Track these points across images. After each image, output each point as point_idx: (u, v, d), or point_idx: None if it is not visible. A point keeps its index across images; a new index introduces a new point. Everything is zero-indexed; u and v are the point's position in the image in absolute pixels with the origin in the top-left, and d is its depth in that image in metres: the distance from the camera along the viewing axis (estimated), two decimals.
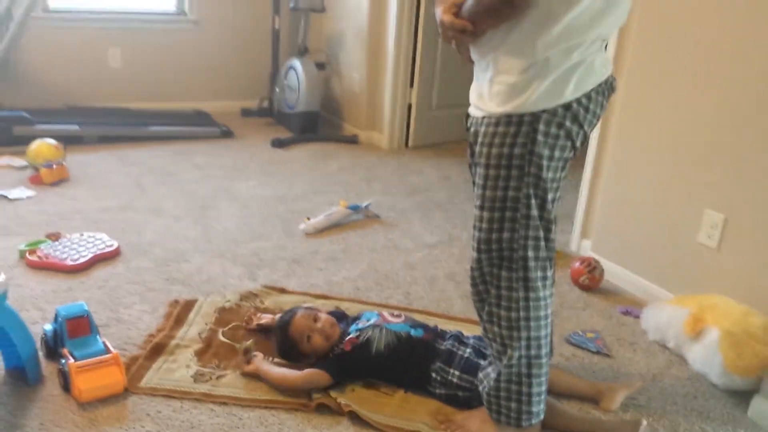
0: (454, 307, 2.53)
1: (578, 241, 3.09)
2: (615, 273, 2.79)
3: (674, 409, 2.03)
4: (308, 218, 3.13)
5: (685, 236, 2.52)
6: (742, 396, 2.08)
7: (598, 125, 2.88)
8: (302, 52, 4.71)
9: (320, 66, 4.72)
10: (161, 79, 5.06)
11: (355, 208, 3.25)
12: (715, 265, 2.43)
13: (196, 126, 4.60)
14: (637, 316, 2.51)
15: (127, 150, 4.12)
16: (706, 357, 2.16)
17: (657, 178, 2.61)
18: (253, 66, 5.27)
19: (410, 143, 4.57)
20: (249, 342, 2.11)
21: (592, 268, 2.71)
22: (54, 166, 3.46)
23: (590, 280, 2.71)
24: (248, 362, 2.05)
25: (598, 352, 2.30)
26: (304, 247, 2.95)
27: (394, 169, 4.12)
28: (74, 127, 4.16)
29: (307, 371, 1.99)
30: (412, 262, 2.86)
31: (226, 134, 4.56)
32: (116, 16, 4.86)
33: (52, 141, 3.63)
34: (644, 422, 1.82)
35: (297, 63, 4.60)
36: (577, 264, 2.75)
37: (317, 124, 4.69)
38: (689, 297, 2.36)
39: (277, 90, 4.85)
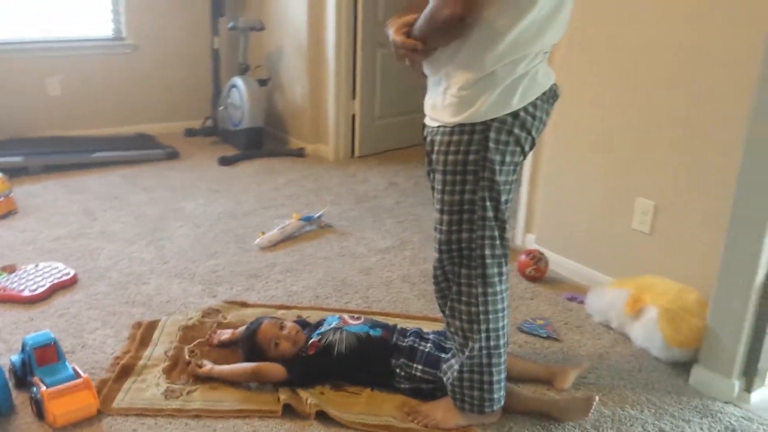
0: (412, 306, 2.64)
1: (522, 235, 3.24)
2: (559, 263, 2.95)
3: (621, 383, 2.19)
4: (262, 232, 3.20)
5: (620, 224, 2.69)
6: (683, 367, 2.25)
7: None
8: (243, 69, 4.76)
9: (262, 82, 4.79)
10: (102, 105, 5.04)
11: (308, 220, 3.33)
12: (649, 249, 2.61)
13: (140, 149, 4.60)
14: (581, 302, 2.67)
15: (73, 178, 4.10)
16: (647, 333, 2.33)
17: (591, 172, 2.78)
18: (194, 86, 5.29)
19: (356, 153, 4.67)
20: (192, 346, 2.23)
21: (537, 259, 2.86)
22: (1, 198, 3.43)
23: (536, 271, 2.85)
24: (199, 367, 2.13)
25: (548, 338, 2.44)
26: (260, 260, 3.02)
27: (342, 179, 4.22)
28: (17, 159, 4.12)
29: (262, 363, 2.08)
30: (368, 267, 2.96)
31: (172, 155, 4.57)
32: (52, 44, 4.80)
33: None
34: (596, 398, 1.95)
35: (239, 81, 4.65)
36: (523, 257, 2.90)
37: (262, 140, 4.75)
38: (628, 279, 2.53)
39: (221, 108, 4.89)
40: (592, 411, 1.94)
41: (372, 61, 4.51)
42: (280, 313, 2.51)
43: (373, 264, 3.00)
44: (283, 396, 2.00)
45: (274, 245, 3.16)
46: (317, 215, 3.39)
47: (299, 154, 4.69)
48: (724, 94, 2.27)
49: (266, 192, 3.96)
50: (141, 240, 3.22)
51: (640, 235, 2.63)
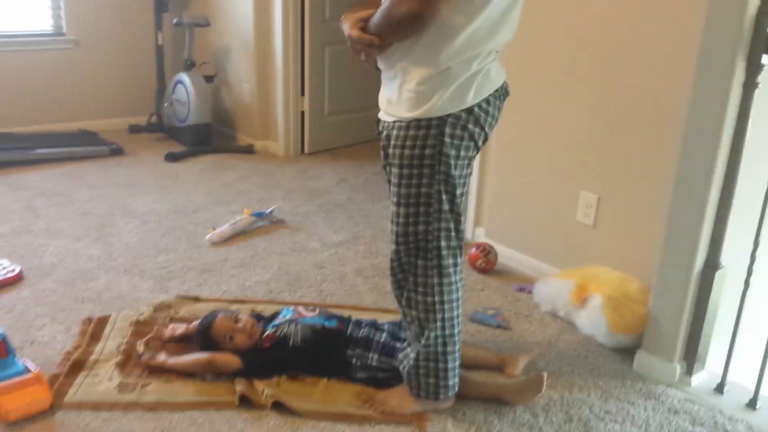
0: (365, 299, 2.67)
1: (472, 229, 3.31)
2: (508, 255, 3.03)
3: (569, 369, 2.27)
4: (213, 228, 3.19)
5: (565, 217, 2.78)
6: (627, 352, 2.34)
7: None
8: (189, 66, 4.71)
9: (209, 79, 4.74)
10: (43, 101, 4.90)
11: (259, 215, 3.33)
12: (593, 240, 2.70)
13: (83, 146, 4.50)
14: (530, 292, 2.75)
15: (14, 175, 3.99)
16: (592, 321, 2.42)
17: (537, 166, 2.87)
18: (138, 82, 5.20)
19: (306, 149, 4.68)
20: (144, 340, 2.24)
21: (487, 252, 2.94)
22: None
23: (486, 263, 2.93)
24: (151, 358, 2.14)
25: (498, 327, 2.51)
26: (212, 256, 3.00)
27: (292, 175, 4.22)
28: None
29: (216, 353, 2.10)
30: (321, 262, 2.98)
31: (116, 152, 4.49)
32: None
33: None
34: (546, 375, 2.02)
35: (185, 77, 4.60)
36: (473, 250, 2.97)
37: (210, 136, 4.71)
38: (573, 270, 2.62)
39: (166, 105, 4.82)
40: (543, 388, 2.00)
41: (320, 58, 4.53)
42: (234, 307, 2.50)
43: (326, 258, 3.02)
44: (239, 387, 2.01)
45: (226, 240, 3.14)
46: (269, 211, 3.39)
47: (248, 150, 4.67)
48: (664, 88, 2.37)
49: (216, 188, 3.93)
50: (87, 237, 3.16)
51: (584, 228, 2.72)
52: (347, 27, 1.74)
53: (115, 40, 5.09)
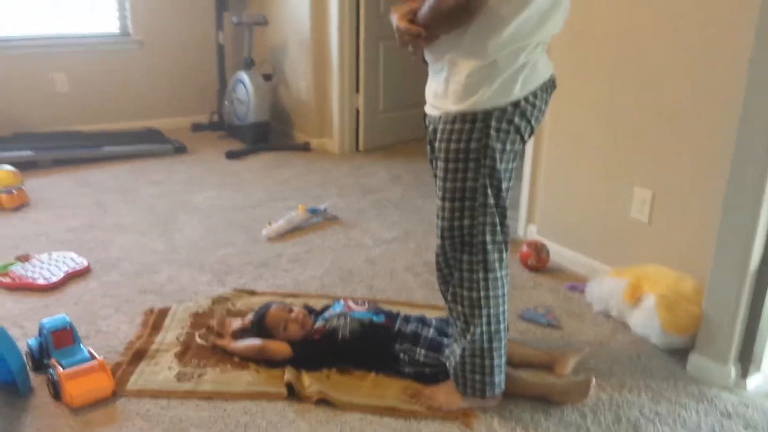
0: (415, 295, 2.70)
1: (525, 226, 3.30)
2: (560, 253, 3.01)
3: (620, 369, 2.25)
4: (270, 223, 3.27)
5: (619, 213, 2.75)
6: (681, 354, 2.30)
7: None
8: (248, 64, 4.83)
9: (267, 77, 4.85)
10: (110, 100, 5.11)
11: (314, 211, 3.40)
12: (647, 238, 2.66)
13: (148, 144, 4.67)
14: (582, 291, 2.72)
15: (82, 172, 4.18)
16: (645, 321, 2.38)
17: (591, 162, 2.84)
18: (200, 81, 5.37)
19: (361, 147, 4.74)
20: (202, 332, 2.34)
21: (539, 250, 2.92)
22: (14, 192, 3.51)
23: (537, 261, 2.92)
24: (221, 336, 2.27)
25: (548, 325, 2.50)
26: (268, 251, 3.08)
27: (347, 172, 4.29)
28: (28, 153, 4.20)
29: (269, 340, 2.19)
30: (373, 258, 3.03)
31: (180, 150, 4.65)
32: (60, 40, 4.88)
33: (9, 167, 3.67)
34: (594, 380, 2.02)
35: (244, 76, 4.72)
36: (524, 248, 2.96)
37: (269, 134, 4.82)
38: (627, 268, 2.58)
39: (227, 103, 4.96)
40: (590, 392, 2.00)
41: (375, 54, 4.57)
42: (288, 301, 2.57)
43: (377, 254, 3.07)
44: (288, 375, 2.07)
45: (281, 236, 3.22)
46: (323, 207, 3.46)
47: (305, 148, 4.75)
48: (723, 84, 2.31)
49: (273, 185, 4.03)
50: (152, 231, 3.29)
51: (638, 224, 2.68)
52: (395, 19, 1.76)
53: (178, 40, 5.25)
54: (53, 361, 2.01)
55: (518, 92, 1.72)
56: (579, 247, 2.95)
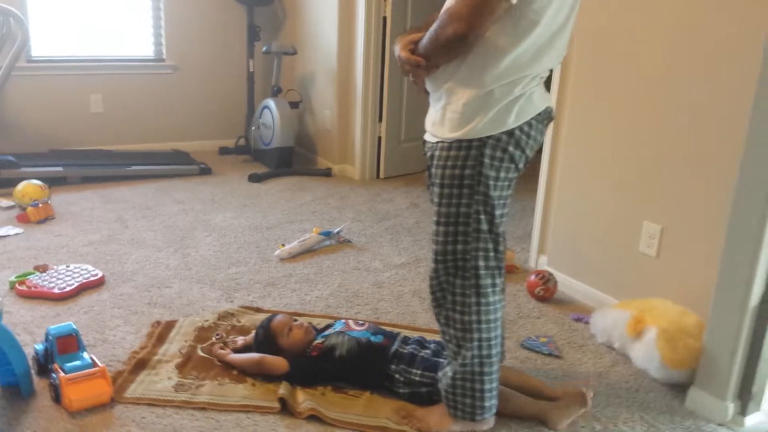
0: (419, 319, 2.72)
1: (536, 257, 3.30)
2: (568, 284, 3.00)
3: (617, 401, 2.23)
4: (283, 245, 3.33)
5: (628, 246, 2.74)
6: (681, 388, 2.28)
7: (546, 150, 3.14)
8: (276, 92, 4.95)
9: (294, 105, 4.96)
10: (142, 122, 5.28)
11: (327, 234, 3.45)
12: (655, 272, 2.65)
13: (175, 164, 4.80)
14: (587, 322, 2.71)
15: (109, 189, 4.31)
16: (646, 354, 2.36)
17: (601, 195, 2.84)
18: (229, 107, 5.51)
19: (381, 174, 4.80)
20: (205, 346, 2.41)
21: (546, 280, 2.92)
22: (40, 205, 3.63)
23: (544, 291, 2.91)
24: (222, 348, 2.33)
25: (549, 355, 2.49)
26: (278, 271, 3.14)
27: (365, 198, 4.34)
28: (58, 169, 4.35)
29: (268, 355, 2.24)
30: (381, 281, 3.06)
31: (205, 171, 4.76)
32: (97, 63, 5.07)
33: (37, 181, 3.81)
34: (591, 393, 2.01)
35: (271, 102, 4.83)
36: (532, 277, 2.96)
37: (292, 159, 4.91)
38: (631, 301, 2.57)
39: (253, 128, 5.07)
40: (590, 402, 2.02)
41: (399, 85, 4.65)
42: None
43: (386, 278, 3.10)
44: (282, 390, 2.10)
45: (294, 257, 3.28)
46: (336, 230, 3.51)
47: (326, 173, 4.83)
48: (735, 120, 2.31)
49: (292, 208, 4.10)
50: (168, 247, 3.37)
51: (646, 258, 2.67)
52: (398, 48, 1.82)
53: (210, 67, 5.41)
54: (56, 365, 2.07)
55: (513, 122, 1.76)
56: (587, 279, 2.94)
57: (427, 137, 1.92)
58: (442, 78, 1.81)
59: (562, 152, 3.04)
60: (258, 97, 5.29)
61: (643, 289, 2.64)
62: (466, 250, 1.85)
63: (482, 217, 1.81)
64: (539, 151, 3.13)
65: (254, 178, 4.64)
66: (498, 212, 1.84)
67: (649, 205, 2.65)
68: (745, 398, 2.12)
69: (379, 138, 4.74)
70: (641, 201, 2.68)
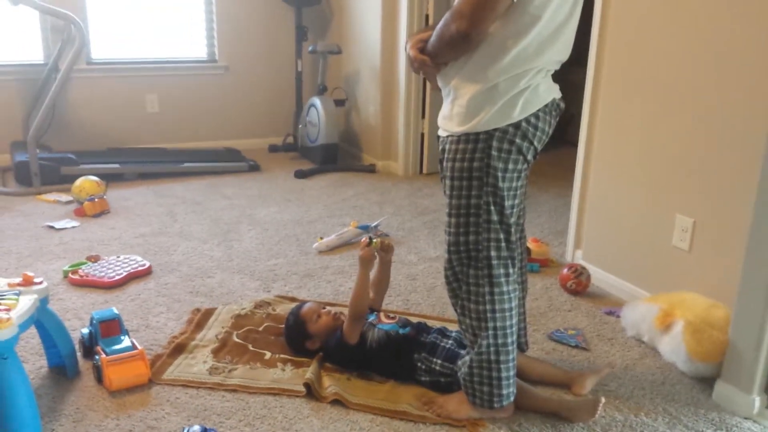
0: (448, 311, 2.76)
1: (572, 251, 3.30)
2: (602, 278, 3.00)
3: (641, 393, 2.23)
4: (321, 237, 3.43)
5: (661, 240, 2.72)
6: (708, 382, 2.26)
7: (582, 146, 3.13)
8: (321, 90, 5.06)
9: (340, 103, 5.07)
10: (195, 121, 5.47)
11: (365, 228, 3.53)
12: (688, 266, 2.63)
13: (226, 162, 4.97)
14: (618, 316, 2.71)
15: (163, 185, 4.50)
16: (672, 347, 2.36)
17: (634, 190, 2.83)
18: (279, 105, 5.66)
19: (424, 170, 4.85)
20: (241, 332, 2.49)
21: (579, 273, 2.93)
22: (96, 200, 3.83)
23: (577, 284, 2.92)
24: (385, 250, 2.39)
25: (576, 347, 2.51)
26: (316, 262, 3.23)
27: (406, 193, 4.40)
28: (115, 166, 4.57)
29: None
30: (414, 274, 3.12)
31: (254, 168, 4.91)
32: (153, 65, 5.29)
33: (94, 177, 4.02)
34: (603, 399, 2.02)
35: (317, 100, 4.95)
36: (565, 270, 2.97)
37: (337, 156, 5.02)
38: (662, 295, 2.56)
39: (301, 126, 5.20)
40: (598, 413, 2.00)
41: None
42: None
43: (419, 271, 3.16)
44: (309, 375, 2.19)
45: (331, 250, 3.37)
46: (374, 224, 3.58)
47: (370, 170, 4.91)
48: (763, 110, 2.29)
49: (334, 203, 4.20)
50: (213, 240, 3.51)
51: (679, 252, 2.65)
52: (408, 46, 1.88)
53: (260, 67, 5.57)
54: (98, 348, 2.22)
55: (518, 114, 1.79)
56: (621, 273, 2.93)
57: (440, 132, 1.97)
58: (449, 74, 1.86)
59: (596, 149, 3.04)
60: (306, 96, 5.42)
61: (675, 283, 2.63)
62: (478, 240, 1.89)
63: (492, 208, 1.86)
64: (573, 144, 3.15)
65: (299, 175, 4.76)
66: (508, 203, 1.87)
67: (682, 199, 2.63)
68: None
69: (422, 134, 4.79)
70: (674, 195, 2.66)
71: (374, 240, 2.33)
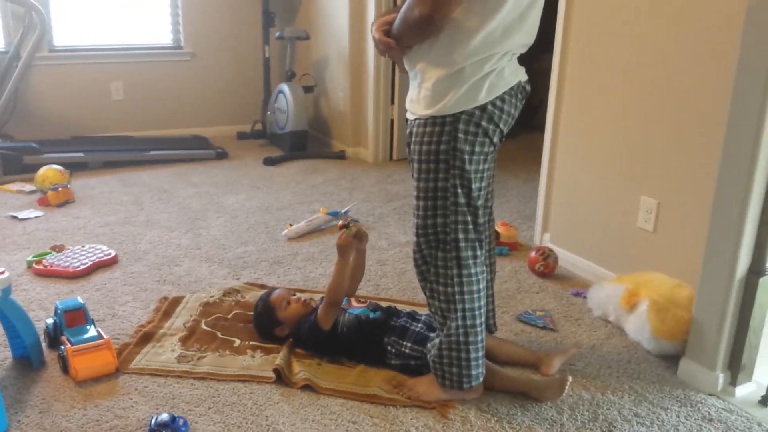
0: (419, 294, 2.75)
1: (540, 235, 3.33)
2: (570, 261, 3.03)
3: (608, 372, 2.26)
4: (290, 224, 3.41)
5: (626, 222, 2.76)
6: (673, 360, 2.30)
7: (548, 130, 3.15)
8: (289, 76, 5.02)
9: (308, 89, 5.03)
10: (161, 108, 5.39)
11: (334, 214, 3.52)
12: (652, 247, 2.67)
13: (193, 149, 4.91)
14: (585, 297, 2.74)
15: (128, 173, 4.43)
16: (638, 326, 2.39)
17: (600, 174, 2.86)
18: (246, 92, 5.60)
19: (394, 156, 4.85)
20: (209, 320, 2.48)
21: (546, 256, 2.96)
22: (59, 189, 3.76)
23: (545, 267, 2.95)
24: (360, 238, 2.33)
25: (544, 327, 2.54)
26: (285, 249, 3.22)
27: (376, 180, 4.40)
28: (79, 155, 4.48)
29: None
30: (384, 259, 3.12)
31: (221, 155, 4.86)
32: (117, 52, 5.20)
33: (57, 167, 3.95)
34: (570, 378, 2.05)
35: (285, 87, 4.91)
36: (533, 253, 3.00)
37: (306, 142, 4.98)
38: (627, 275, 2.60)
39: (269, 113, 5.16)
40: (566, 391, 2.03)
41: None
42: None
43: (390, 256, 3.16)
44: (278, 362, 2.18)
45: (301, 236, 3.35)
46: (343, 211, 3.57)
47: (340, 156, 4.90)
48: (726, 96, 2.31)
49: (303, 189, 4.17)
50: (180, 228, 3.48)
51: (644, 233, 2.69)
52: (373, 29, 1.87)
53: (227, 54, 5.50)
54: (63, 338, 2.18)
55: (484, 97, 1.80)
56: (587, 255, 2.97)
57: (408, 115, 1.97)
58: (415, 58, 1.86)
59: (563, 133, 3.06)
60: (274, 83, 5.37)
61: (641, 264, 2.66)
62: (446, 223, 1.90)
63: (459, 190, 1.86)
64: (541, 130, 3.17)
65: (268, 162, 4.73)
66: (475, 185, 1.88)
67: (646, 181, 2.66)
68: (735, 368, 2.14)
69: (392, 120, 4.78)
70: (639, 177, 2.69)
71: (350, 225, 2.32)
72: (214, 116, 5.58)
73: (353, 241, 2.30)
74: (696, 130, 2.44)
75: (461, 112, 1.80)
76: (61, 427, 1.91)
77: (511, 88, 1.84)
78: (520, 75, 1.88)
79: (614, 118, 2.76)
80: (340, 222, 2.36)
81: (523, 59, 1.93)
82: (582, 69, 2.90)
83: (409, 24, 1.74)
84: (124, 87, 5.24)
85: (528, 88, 1.92)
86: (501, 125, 1.86)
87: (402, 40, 1.81)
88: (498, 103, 1.82)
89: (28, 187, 4.02)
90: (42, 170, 3.92)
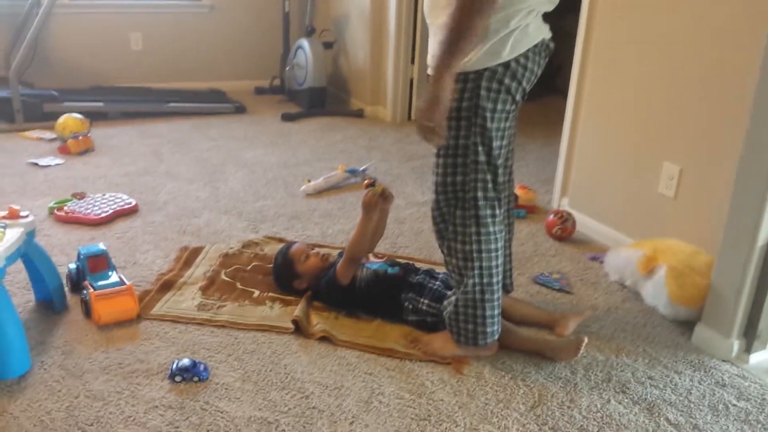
0: (436, 253, 2.77)
1: (558, 199, 3.32)
2: (588, 225, 3.03)
3: (623, 335, 2.28)
4: (309, 180, 3.42)
5: (647, 188, 2.74)
6: (688, 326, 2.31)
7: (572, 94, 3.12)
8: (309, 32, 4.97)
9: (328, 45, 4.99)
10: (180, 61, 5.37)
11: (352, 172, 3.52)
12: (673, 213, 2.65)
13: (211, 103, 4.90)
14: (602, 262, 2.74)
15: (147, 125, 4.44)
16: (655, 291, 2.40)
17: (622, 138, 2.84)
18: (265, 47, 5.56)
19: (413, 116, 4.82)
20: (229, 271, 2.50)
21: (564, 219, 2.95)
22: (80, 137, 3.78)
23: (562, 230, 2.95)
24: (385, 198, 2.34)
25: (560, 290, 2.55)
26: (303, 205, 3.23)
27: (395, 139, 4.38)
28: (99, 104, 4.50)
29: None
30: (402, 218, 3.13)
31: (240, 110, 4.85)
32: (137, 2, 5.17)
33: (78, 115, 3.96)
34: (585, 339, 2.06)
35: (305, 42, 4.87)
36: (551, 216, 2.99)
37: (325, 100, 4.97)
38: (645, 241, 2.59)
39: (288, 68, 5.13)
40: (581, 352, 2.05)
41: None
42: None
43: (407, 215, 3.17)
44: (297, 313, 2.21)
45: (318, 193, 3.36)
46: (362, 168, 3.57)
47: (358, 114, 4.88)
48: (752, 64, 2.28)
49: (321, 147, 4.17)
50: (200, 180, 3.49)
51: (665, 200, 2.67)
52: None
53: (246, 7, 5.46)
54: (86, 283, 2.21)
55: (508, 54, 1.77)
56: (606, 220, 2.96)
57: (429, 71, 1.95)
58: (438, 13, 1.80)
59: (586, 97, 3.03)
60: (293, 38, 5.33)
61: (660, 230, 2.66)
62: (465, 181, 1.89)
63: (480, 148, 1.85)
64: (562, 93, 3.13)
65: (287, 118, 4.72)
66: (496, 144, 1.87)
67: (669, 147, 2.64)
68: (751, 336, 2.15)
69: (411, 80, 4.74)
70: (662, 143, 2.66)
71: (377, 184, 2.31)
72: (232, 70, 5.55)
73: (378, 200, 2.30)
74: (723, 97, 2.41)
75: (484, 69, 1.78)
76: (83, 368, 1.95)
77: (535, 46, 1.81)
78: (545, 32, 1.86)
79: (640, 82, 2.73)
80: (366, 180, 2.35)
81: (545, 18, 1.89)
82: (608, 31, 2.86)
83: (473, 13, 1.65)
84: (143, 38, 5.22)
85: (552, 45, 1.89)
86: (524, 83, 1.84)
87: (470, 30, 1.68)
88: (522, 60, 1.80)
89: (49, 134, 4.04)
90: (62, 118, 3.93)
